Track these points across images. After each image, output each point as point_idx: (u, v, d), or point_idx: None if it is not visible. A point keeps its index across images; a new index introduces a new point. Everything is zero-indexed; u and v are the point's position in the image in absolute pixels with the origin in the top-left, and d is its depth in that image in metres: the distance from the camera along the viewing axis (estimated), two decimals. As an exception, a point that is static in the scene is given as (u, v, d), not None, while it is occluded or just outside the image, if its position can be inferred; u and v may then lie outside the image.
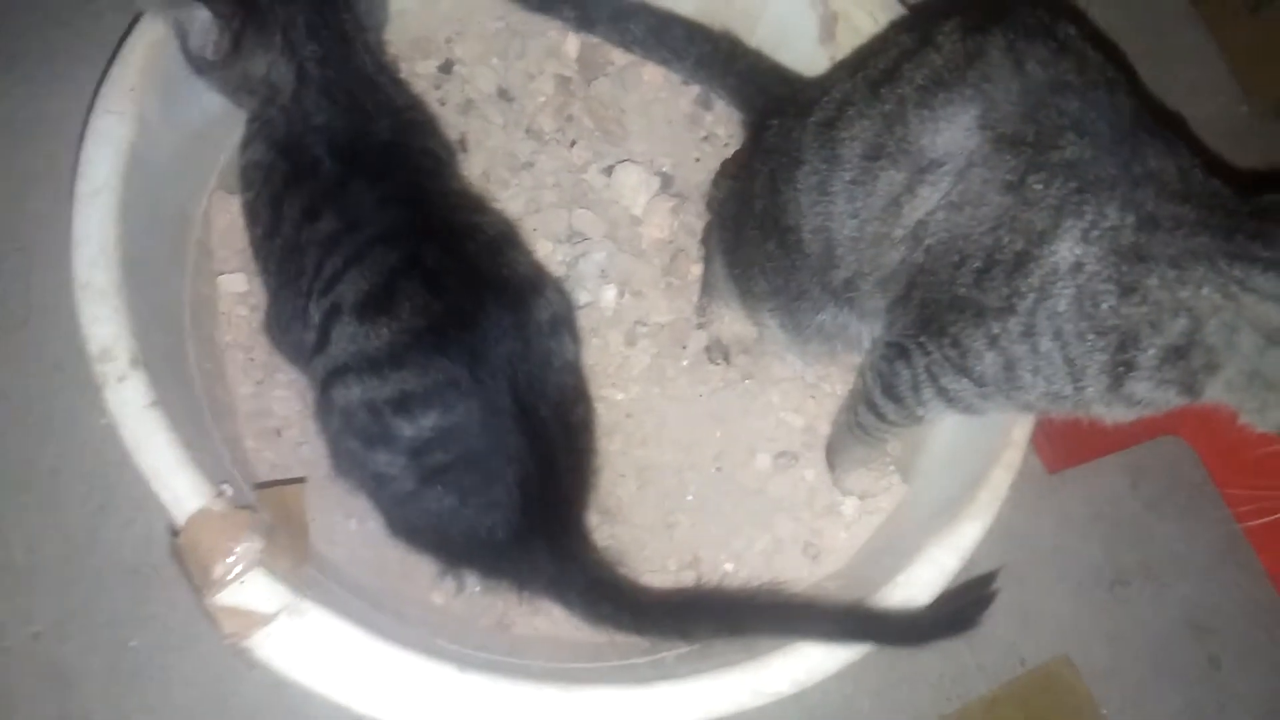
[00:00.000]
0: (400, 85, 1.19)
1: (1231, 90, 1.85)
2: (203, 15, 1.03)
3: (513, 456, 1.01)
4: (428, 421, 0.99)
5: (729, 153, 1.42)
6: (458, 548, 1.08)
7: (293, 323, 1.09)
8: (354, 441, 1.04)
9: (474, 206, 1.16)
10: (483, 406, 0.99)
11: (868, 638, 1.00)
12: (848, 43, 1.34)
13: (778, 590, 1.04)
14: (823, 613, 1.00)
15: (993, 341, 0.92)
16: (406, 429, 0.99)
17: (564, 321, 1.11)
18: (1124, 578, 1.48)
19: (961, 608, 1.02)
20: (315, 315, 1.03)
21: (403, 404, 0.98)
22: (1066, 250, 0.87)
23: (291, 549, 0.96)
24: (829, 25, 1.37)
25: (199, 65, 1.08)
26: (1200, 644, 1.46)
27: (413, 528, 1.10)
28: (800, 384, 1.36)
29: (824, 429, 1.32)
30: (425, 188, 1.11)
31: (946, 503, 1.11)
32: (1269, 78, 1.79)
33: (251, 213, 1.14)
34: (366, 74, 1.13)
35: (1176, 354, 0.85)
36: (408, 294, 0.99)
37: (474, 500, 1.02)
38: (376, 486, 1.07)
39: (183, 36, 1.07)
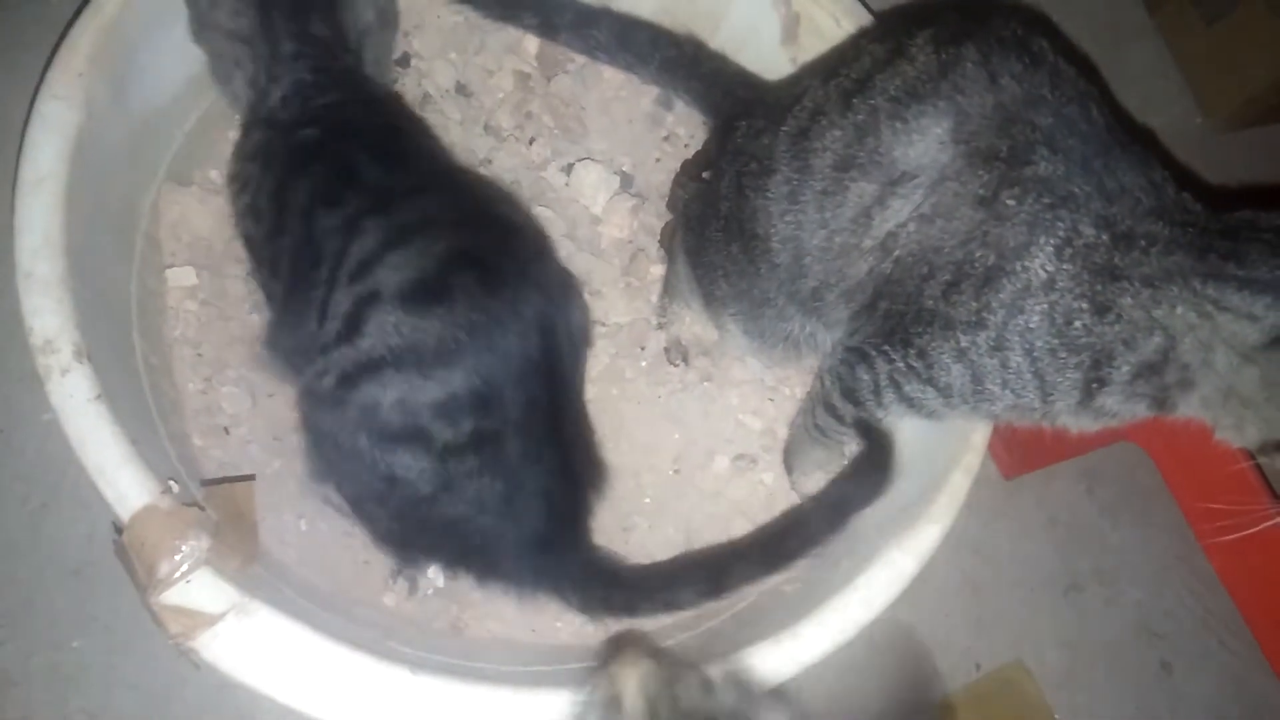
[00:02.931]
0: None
1: (1186, 102, 1.88)
2: None
3: (543, 466, 1.00)
4: (468, 425, 0.96)
5: (690, 153, 1.42)
6: (461, 554, 1.06)
7: (303, 320, 1.03)
8: (369, 440, 0.98)
9: (507, 199, 1.15)
10: (523, 413, 0.97)
11: (844, 517, 1.03)
12: (810, 44, 1.34)
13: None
14: (798, 528, 1.03)
15: (961, 354, 0.92)
16: (446, 432, 0.95)
17: (588, 328, 1.10)
18: (1078, 583, 1.48)
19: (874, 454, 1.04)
20: (344, 303, 0.97)
21: (446, 406, 0.95)
22: (1039, 266, 0.87)
23: (240, 548, 0.94)
24: (791, 27, 1.36)
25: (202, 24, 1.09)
26: (1152, 649, 1.48)
27: (414, 533, 1.06)
28: (759, 386, 1.35)
29: (783, 432, 1.32)
30: (450, 172, 1.09)
31: (905, 506, 1.11)
32: (1224, 90, 1.82)
33: (252, 215, 1.10)
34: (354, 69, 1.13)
35: (1150, 370, 0.85)
36: (463, 287, 0.95)
37: (495, 507, 1.00)
38: (385, 489, 1.00)
39: None
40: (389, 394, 0.95)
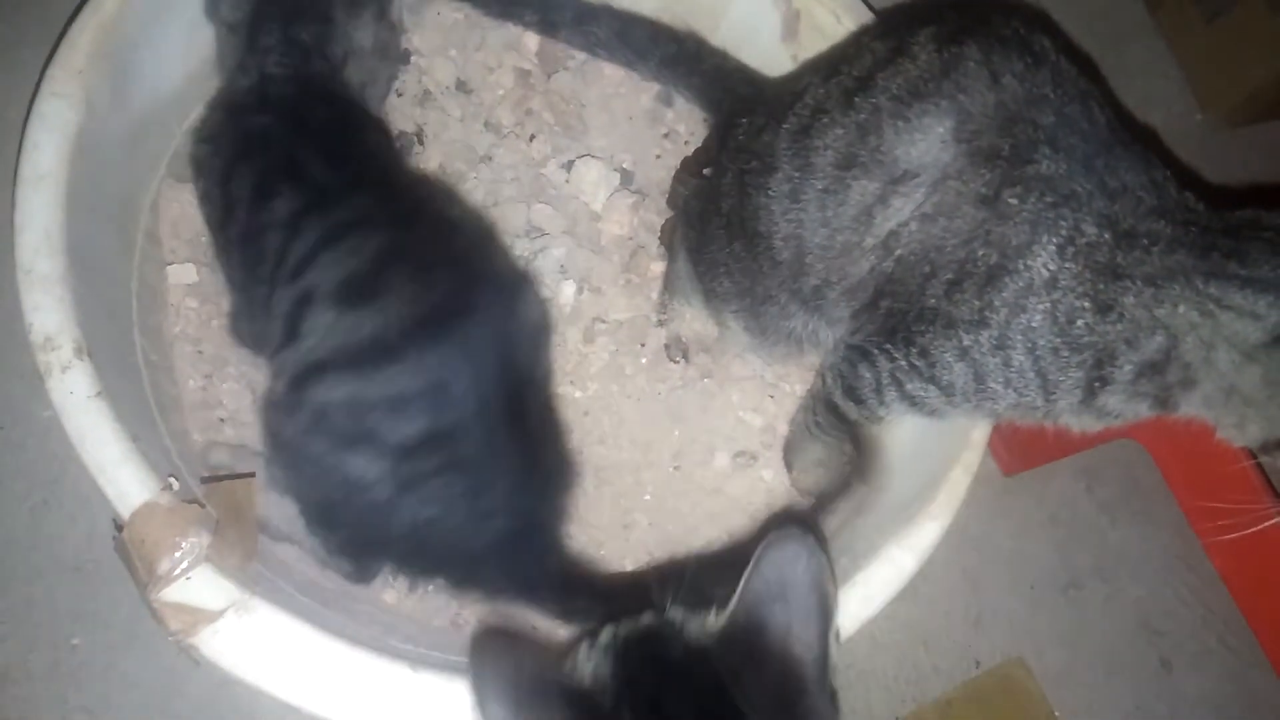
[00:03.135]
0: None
1: (1186, 100, 1.87)
2: None
3: (505, 464, 0.98)
4: (419, 424, 0.95)
5: (690, 150, 1.42)
6: (428, 561, 1.05)
7: (256, 312, 1.04)
8: (323, 444, 0.97)
9: (449, 196, 1.14)
10: (476, 409, 0.96)
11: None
12: (810, 41, 1.34)
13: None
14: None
15: (963, 353, 0.92)
16: (396, 432, 0.95)
17: (545, 323, 1.09)
18: (1078, 580, 1.48)
19: None
20: (283, 303, 0.98)
21: (395, 405, 0.94)
22: (1041, 265, 0.86)
23: (240, 545, 0.94)
24: (791, 23, 1.36)
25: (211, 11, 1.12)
26: (1152, 646, 1.48)
27: (376, 540, 1.04)
28: (759, 383, 1.35)
29: (783, 429, 1.32)
30: (394, 171, 1.09)
31: (904, 503, 1.11)
32: (1224, 87, 1.82)
33: (207, 201, 1.11)
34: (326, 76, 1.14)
35: (1152, 369, 0.85)
36: (396, 282, 0.95)
37: (459, 509, 0.99)
38: (344, 494, 0.99)
39: None
40: (336, 395, 0.95)
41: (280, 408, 1.00)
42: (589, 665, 0.73)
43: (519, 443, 0.99)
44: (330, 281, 0.96)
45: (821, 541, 0.77)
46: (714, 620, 0.73)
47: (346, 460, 0.96)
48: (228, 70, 1.15)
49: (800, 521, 0.74)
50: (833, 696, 0.70)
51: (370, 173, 1.07)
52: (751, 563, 0.70)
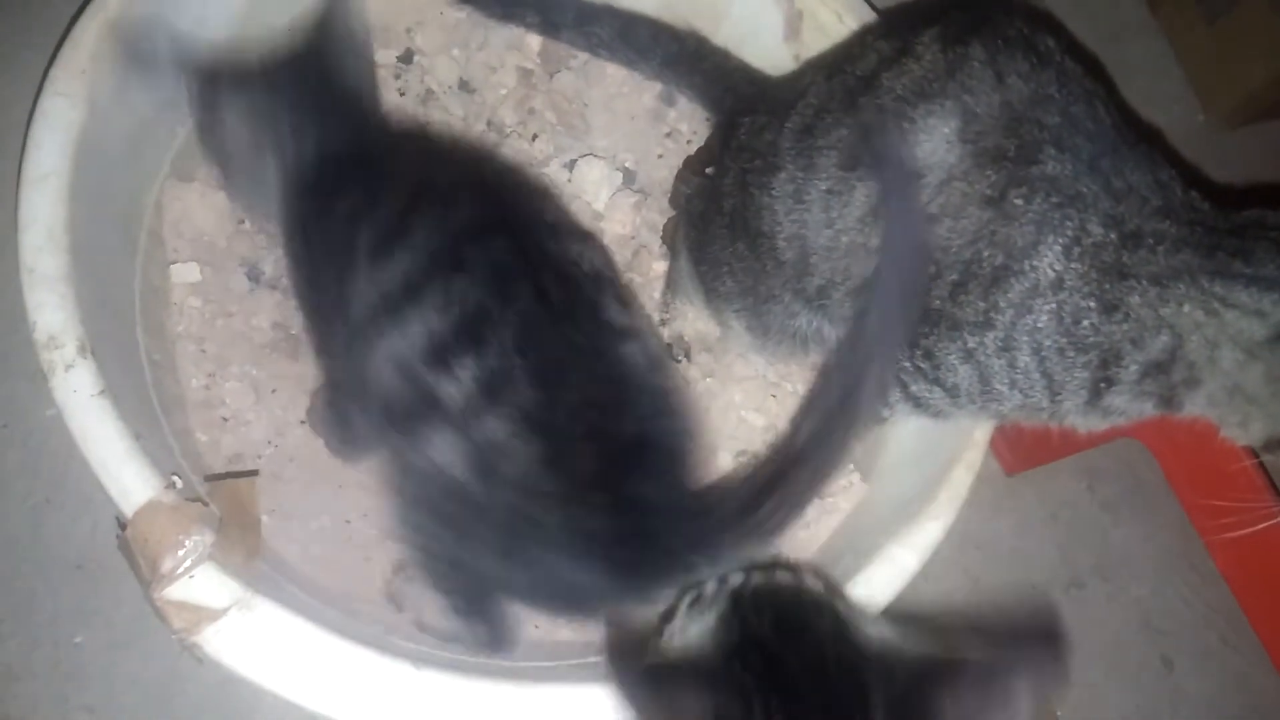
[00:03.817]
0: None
1: (1188, 100, 1.87)
2: None
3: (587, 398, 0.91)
4: (468, 368, 0.86)
5: (692, 149, 1.42)
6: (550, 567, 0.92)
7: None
8: (402, 437, 0.91)
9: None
10: (521, 332, 0.89)
11: None
12: (813, 40, 1.34)
13: None
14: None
15: (968, 355, 0.91)
16: (448, 384, 0.86)
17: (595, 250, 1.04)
18: (1080, 579, 1.48)
19: None
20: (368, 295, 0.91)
21: (435, 350, 0.87)
22: (1047, 266, 0.86)
23: (243, 543, 0.94)
24: (794, 23, 1.36)
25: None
26: (1154, 645, 1.48)
27: (489, 560, 0.94)
28: (762, 383, 1.35)
29: (785, 429, 1.31)
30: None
31: (906, 502, 1.11)
32: (1226, 87, 1.82)
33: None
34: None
35: (1158, 369, 0.85)
36: (422, 221, 0.92)
37: (547, 478, 0.88)
38: (438, 496, 0.91)
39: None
40: (384, 355, 0.90)
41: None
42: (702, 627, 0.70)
43: (603, 376, 0.93)
44: (367, 243, 0.93)
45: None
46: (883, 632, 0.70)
47: (424, 442, 0.89)
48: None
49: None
50: None
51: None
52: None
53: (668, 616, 0.75)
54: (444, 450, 0.88)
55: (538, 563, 0.90)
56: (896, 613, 0.77)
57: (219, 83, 1.07)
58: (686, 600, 0.74)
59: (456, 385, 0.86)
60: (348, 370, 1.00)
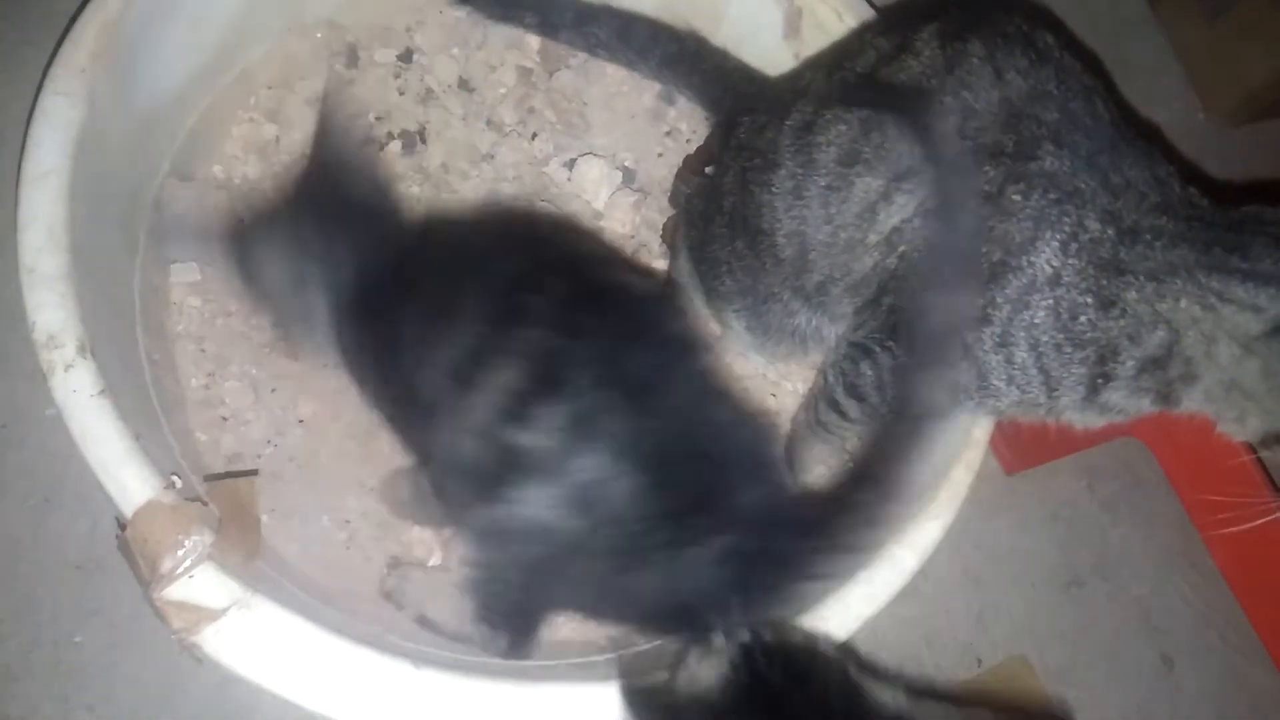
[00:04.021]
0: None
1: (1189, 98, 1.87)
2: None
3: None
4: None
5: (692, 148, 1.42)
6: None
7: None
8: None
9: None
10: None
11: None
12: (812, 38, 1.34)
13: None
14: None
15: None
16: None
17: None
18: (1080, 578, 1.48)
19: None
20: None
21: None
22: (1045, 261, 0.87)
23: (242, 543, 0.94)
24: (794, 21, 1.36)
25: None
26: (1154, 644, 1.48)
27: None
28: (762, 381, 1.35)
29: (785, 427, 1.31)
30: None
31: (906, 501, 1.11)
32: (1226, 85, 1.82)
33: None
34: None
35: (1154, 364, 0.85)
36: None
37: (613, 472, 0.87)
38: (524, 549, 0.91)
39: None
40: (461, 427, 0.89)
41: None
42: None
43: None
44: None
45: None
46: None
47: (508, 498, 0.88)
48: None
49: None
50: None
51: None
52: None
53: (678, 664, 0.76)
54: (534, 504, 0.87)
55: (645, 588, 0.90)
56: (910, 685, 0.77)
57: (246, 238, 1.08)
58: (696, 650, 0.75)
59: (544, 434, 0.85)
60: (434, 455, 0.99)
